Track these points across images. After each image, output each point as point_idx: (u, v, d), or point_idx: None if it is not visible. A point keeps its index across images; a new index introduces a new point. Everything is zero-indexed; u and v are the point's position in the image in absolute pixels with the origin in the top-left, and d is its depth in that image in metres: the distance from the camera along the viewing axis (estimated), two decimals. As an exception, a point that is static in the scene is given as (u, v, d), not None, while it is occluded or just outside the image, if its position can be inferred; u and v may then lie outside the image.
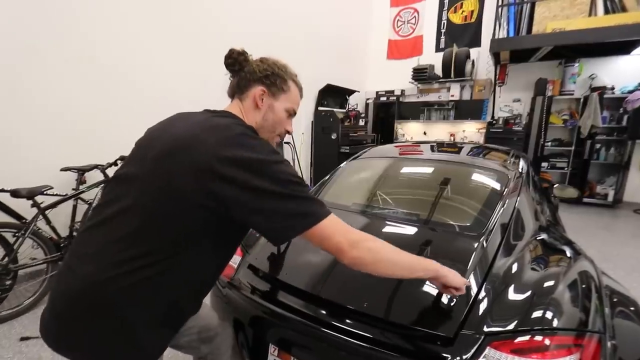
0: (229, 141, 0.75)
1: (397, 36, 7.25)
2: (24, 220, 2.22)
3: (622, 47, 4.89)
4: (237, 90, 0.94)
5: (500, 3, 5.41)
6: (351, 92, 6.32)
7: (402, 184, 1.84)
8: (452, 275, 0.89)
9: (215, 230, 0.78)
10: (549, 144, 5.56)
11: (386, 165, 1.96)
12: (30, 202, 2.21)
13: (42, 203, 2.28)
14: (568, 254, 1.26)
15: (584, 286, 1.06)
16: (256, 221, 0.75)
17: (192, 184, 0.72)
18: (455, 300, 0.95)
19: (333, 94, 6.00)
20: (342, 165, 2.09)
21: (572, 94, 5.47)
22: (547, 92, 5.21)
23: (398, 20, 7.19)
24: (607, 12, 4.80)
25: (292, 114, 0.99)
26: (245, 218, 0.75)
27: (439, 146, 2.36)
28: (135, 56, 3.12)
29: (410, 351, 0.87)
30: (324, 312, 1.02)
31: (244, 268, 1.29)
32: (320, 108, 5.72)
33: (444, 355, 0.83)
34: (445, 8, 6.58)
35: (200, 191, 0.72)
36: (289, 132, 1.01)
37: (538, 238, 1.34)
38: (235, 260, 1.34)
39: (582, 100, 5.27)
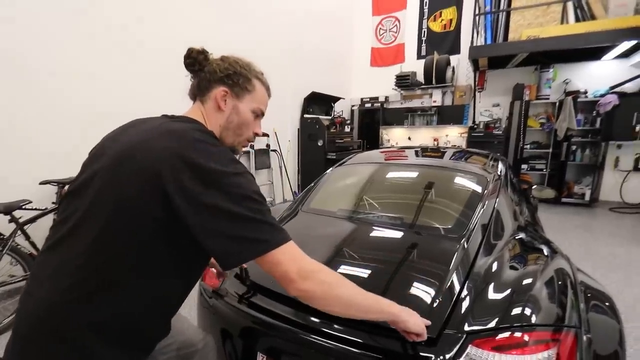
0: (182, 147, 0.70)
1: (379, 44, 7.40)
2: (1, 237, 2.15)
3: (593, 53, 5.13)
4: (197, 92, 0.88)
5: (477, 12, 5.61)
6: (336, 99, 6.39)
7: (387, 188, 1.88)
8: (413, 321, 0.83)
9: (170, 247, 0.73)
10: (528, 146, 5.74)
11: (371, 170, 2.00)
12: (8, 217, 2.14)
13: (20, 218, 2.21)
14: (545, 252, 1.31)
15: (560, 283, 1.10)
16: (203, 240, 0.69)
17: (142, 193, 0.68)
18: (438, 300, 0.98)
19: (318, 102, 6.05)
20: (327, 171, 2.11)
21: (548, 99, 5.69)
22: (525, 97, 5.40)
23: (380, 28, 7.35)
24: (577, 20, 5.05)
25: (259, 115, 0.92)
26: (192, 233, 0.69)
27: (423, 151, 2.42)
28: (114, 66, 3.08)
29: (396, 353, 0.88)
30: (310, 318, 1.02)
31: (230, 277, 1.28)
32: (306, 115, 5.76)
33: (428, 355, 0.85)
34: (425, 17, 6.77)
35: (150, 201, 0.68)
36: (257, 135, 0.95)
37: (517, 237, 1.39)
38: (222, 269, 1.33)
39: (557, 104, 5.48)
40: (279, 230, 0.74)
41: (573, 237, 3.97)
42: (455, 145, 6.30)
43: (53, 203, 2.48)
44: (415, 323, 0.83)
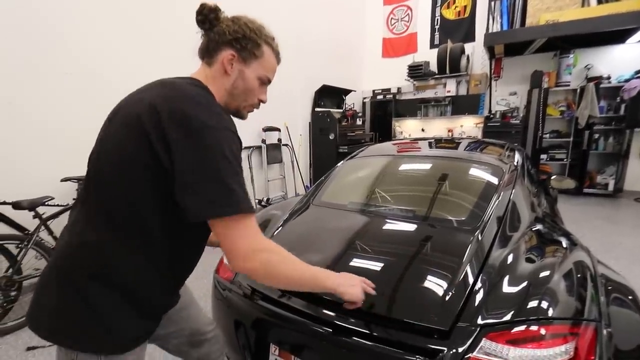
0: (168, 94, 0.73)
1: (391, 34, 7.26)
2: (26, 232, 2.24)
3: (616, 36, 4.88)
4: (205, 54, 0.86)
5: (493, -3, 5.42)
6: (347, 91, 6.33)
7: (399, 181, 1.86)
8: (351, 292, 0.87)
9: (164, 202, 0.72)
10: (547, 135, 5.55)
11: (383, 163, 1.98)
12: (32, 213, 2.23)
13: (43, 214, 2.30)
14: (564, 244, 1.27)
15: (579, 275, 1.07)
16: (173, 187, 0.70)
17: (129, 140, 0.71)
18: (451, 293, 0.97)
19: (329, 95, 6.01)
20: (339, 164, 2.10)
21: (569, 85, 5.47)
22: (543, 84, 5.20)
23: (392, 18, 7.20)
24: (600, 1, 4.80)
25: (265, 82, 0.90)
26: (169, 174, 0.70)
27: (437, 142, 2.37)
28: (135, 65, 3.14)
29: (408, 346, 0.88)
30: (323, 310, 1.03)
31: (243, 270, 1.30)
32: (317, 109, 5.72)
33: (441, 348, 0.84)
34: (439, 4, 6.59)
35: (137, 147, 0.70)
36: (262, 102, 0.92)
37: (534, 229, 1.35)
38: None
39: (578, 90, 5.26)
40: (241, 200, 0.71)
41: (595, 228, 3.83)
42: (470, 136, 6.16)
43: (74, 199, 2.57)
44: (352, 294, 0.87)
